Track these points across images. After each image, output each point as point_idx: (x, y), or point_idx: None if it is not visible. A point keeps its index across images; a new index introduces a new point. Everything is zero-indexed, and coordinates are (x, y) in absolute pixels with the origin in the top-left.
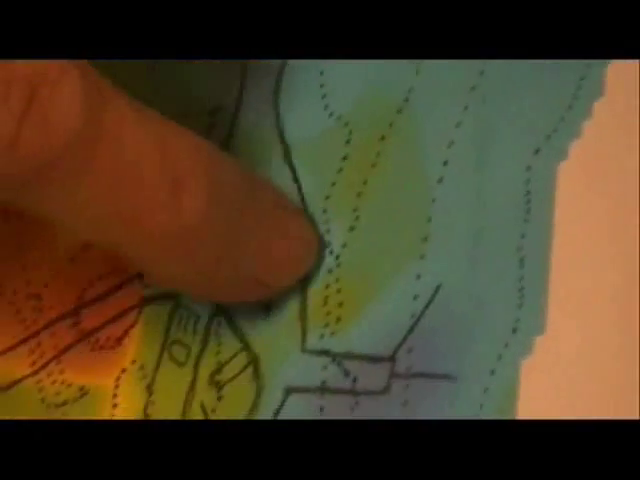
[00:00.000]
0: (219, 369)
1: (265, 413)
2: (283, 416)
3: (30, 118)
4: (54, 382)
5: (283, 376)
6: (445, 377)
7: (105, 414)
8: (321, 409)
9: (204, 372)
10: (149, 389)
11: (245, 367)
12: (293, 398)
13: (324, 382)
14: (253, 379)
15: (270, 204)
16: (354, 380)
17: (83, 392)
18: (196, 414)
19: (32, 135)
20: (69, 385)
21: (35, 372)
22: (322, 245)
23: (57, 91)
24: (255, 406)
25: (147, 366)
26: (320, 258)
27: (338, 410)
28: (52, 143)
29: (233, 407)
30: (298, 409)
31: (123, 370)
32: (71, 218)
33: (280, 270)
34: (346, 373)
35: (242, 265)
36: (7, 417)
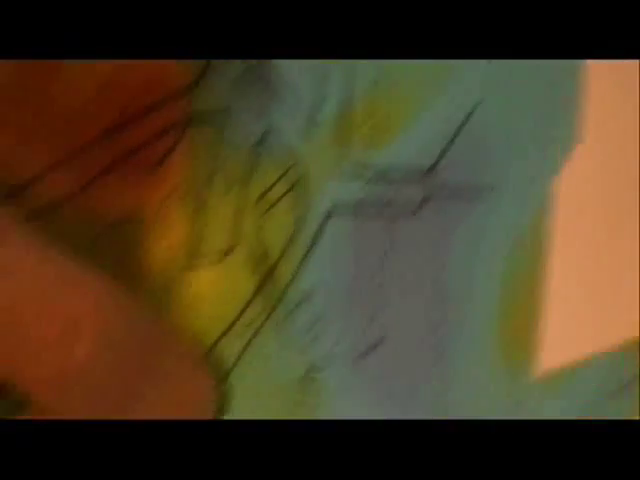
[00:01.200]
0: (265, 191)
1: (308, 233)
2: (324, 235)
3: None
4: (98, 203)
5: (325, 195)
6: (482, 189)
7: (151, 238)
8: (359, 226)
9: (251, 194)
10: (196, 213)
11: (290, 188)
12: (333, 217)
13: (363, 200)
14: (297, 200)
15: (171, 355)
16: (390, 200)
17: (128, 216)
18: (245, 237)
19: None
20: (113, 207)
21: (77, 192)
22: (221, 395)
23: None
24: (299, 225)
25: (193, 189)
26: None
27: (375, 229)
28: None
29: (279, 228)
30: (338, 228)
31: (168, 194)
32: None
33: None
34: (383, 192)
35: (133, 409)
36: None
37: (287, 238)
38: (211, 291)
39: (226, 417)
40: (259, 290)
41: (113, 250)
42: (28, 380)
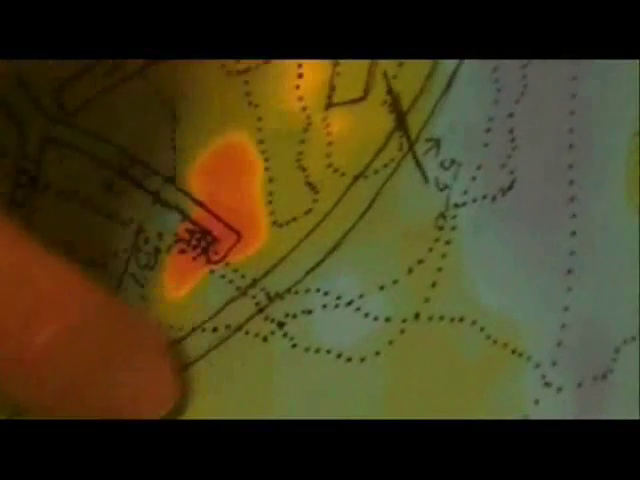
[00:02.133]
0: None
1: (443, 75)
2: (459, 78)
3: None
4: None
5: None
6: None
7: (290, 84)
8: (495, 69)
9: None
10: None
11: None
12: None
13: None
14: None
15: (133, 345)
16: None
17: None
18: (379, 82)
19: None
20: None
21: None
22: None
23: None
24: (434, 69)
25: None
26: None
27: (510, 69)
28: None
29: (413, 72)
30: (473, 70)
31: None
32: None
33: (133, 408)
34: None
35: (91, 397)
36: (183, 81)
37: (422, 80)
38: (349, 133)
39: None
40: (395, 131)
41: None
42: None
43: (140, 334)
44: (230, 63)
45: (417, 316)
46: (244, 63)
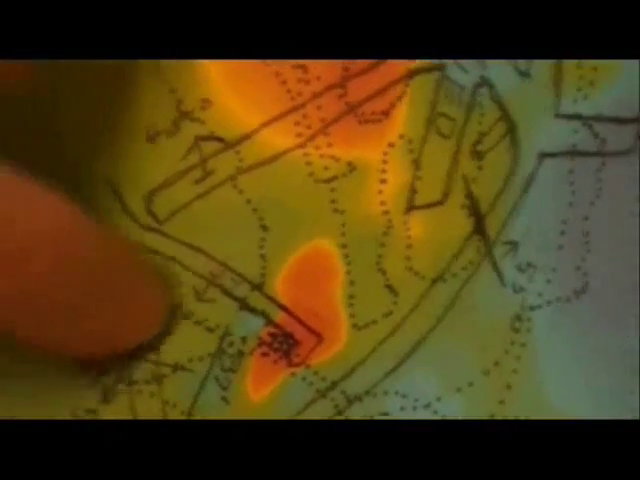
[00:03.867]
0: (480, 139)
1: (520, 179)
2: (537, 181)
3: None
4: (322, 156)
5: (537, 142)
6: None
7: (373, 189)
8: (570, 171)
9: (466, 143)
10: (416, 163)
11: (504, 135)
12: (545, 163)
13: (574, 145)
14: (510, 147)
15: (125, 271)
16: (602, 141)
17: (351, 167)
18: (458, 185)
19: None
20: (337, 160)
21: (302, 145)
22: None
23: None
24: (512, 173)
25: (414, 140)
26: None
27: (586, 172)
28: None
29: (492, 176)
30: (550, 173)
31: (390, 144)
32: None
33: (125, 332)
34: (595, 135)
35: (85, 326)
36: (274, 190)
37: (500, 184)
38: (428, 236)
39: None
40: (473, 234)
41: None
42: None
43: (134, 261)
44: (318, 171)
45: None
46: (331, 171)
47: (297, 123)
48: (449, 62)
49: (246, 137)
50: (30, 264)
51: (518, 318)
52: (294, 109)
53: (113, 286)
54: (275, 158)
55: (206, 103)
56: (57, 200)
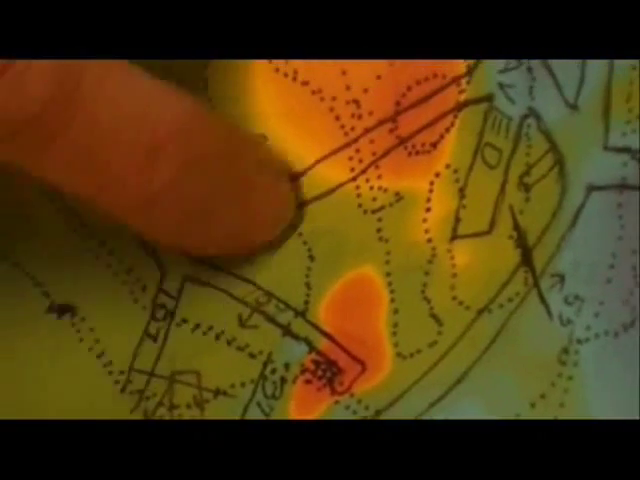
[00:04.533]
0: (527, 171)
1: (569, 212)
2: (585, 214)
3: (3, 85)
4: (371, 188)
5: (585, 174)
6: None
7: (418, 218)
8: (619, 205)
9: (514, 174)
10: (461, 192)
11: (552, 167)
12: (594, 196)
13: (624, 179)
14: (558, 179)
15: (252, 166)
16: None
17: (398, 197)
18: (505, 216)
19: (5, 99)
20: (385, 190)
21: (354, 178)
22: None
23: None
24: (560, 206)
25: (460, 170)
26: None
27: (634, 205)
28: (25, 106)
29: (540, 207)
30: (598, 206)
31: (437, 174)
32: (47, 174)
33: (257, 228)
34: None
35: (217, 223)
36: (324, 223)
37: (548, 216)
38: (473, 266)
39: None
40: (520, 266)
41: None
42: (112, 204)
43: (260, 155)
44: (367, 202)
45: None
46: (379, 201)
47: (350, 158)
48: (497, 92)
49: (301, 174)
50: (160, 161)
51: (565, 351)
52: (347, 144)
53: (241, 181)
54: (328, 193)
55: (262, 139)
56: (179, 94)
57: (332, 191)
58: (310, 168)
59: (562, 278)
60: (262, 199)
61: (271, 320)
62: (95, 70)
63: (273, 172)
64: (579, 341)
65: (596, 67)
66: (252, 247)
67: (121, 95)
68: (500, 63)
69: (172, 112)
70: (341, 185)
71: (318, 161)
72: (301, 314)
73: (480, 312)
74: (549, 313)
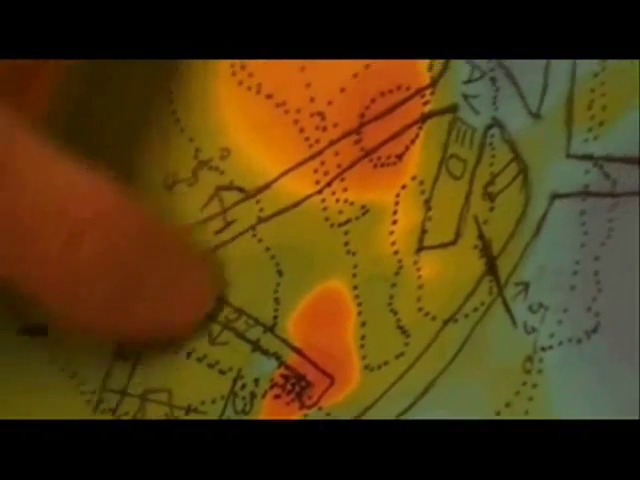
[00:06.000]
0: (492, 180)
1: (532, 220)
2: (548, 222)
3: None
4: (337, 201)
5: (549, 183)
6: None
7: (385, 230)
8: (582, 212)
9: (478, 184)
10: (427, 204)
11: (515, 176)
12: (557, 204)
13: (586, 186)
14: (522, 188)
15: (172, 254)
16: (614, 182)
17: (365, 210)
18: (470, 226)
19: None
20: (352, 203)
21: (319, 191)
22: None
23: None
24: (524, 214)
25: (426, 181)
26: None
27: (597, 212)
28: None
29: (504, 217)
30: (561, 214)
31: (403, 186)
32: None
33: (175, 316)
34: (606, 176)
35: (135, 309)
36: (292, 237)
37: (512, 225)
38: (439, 276)
39: None
40: (485, 275)
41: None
42: (35, 281)
43: (179, 244)
44: (333, 215)
45: None
46: (345, 215)
47: (315, 170)
48: (462, 103)
49: (266, 187)
50: (80, 249)
51: (529, 359)
52: (312, 157)
53: (161, 270)
54: (294, 206)
55: (225, 152)
56: (102, 184)
57: (298, 204)
58: (275, 181)
59: (526, 286)
60: (182, 288)
61: (241, 336)
62: (24, 150)
63: (194, 262)
64: (543, 349)
65: (558, 75)
66: (172, 333)
67: (45, 179)
68: (464, 74)
69: (94, 198)
70: (307, 198)
71: (283, 174)
72: (270, 329)
73: (446, 322)
74: (513, 322)
